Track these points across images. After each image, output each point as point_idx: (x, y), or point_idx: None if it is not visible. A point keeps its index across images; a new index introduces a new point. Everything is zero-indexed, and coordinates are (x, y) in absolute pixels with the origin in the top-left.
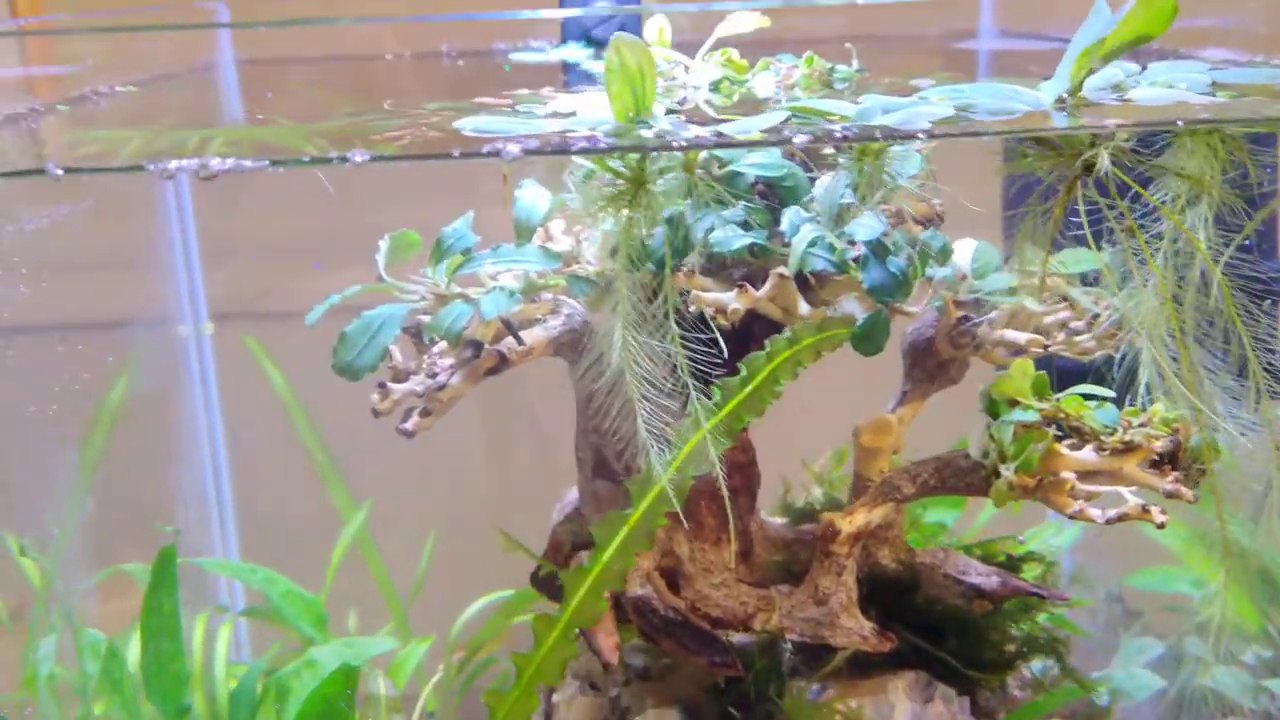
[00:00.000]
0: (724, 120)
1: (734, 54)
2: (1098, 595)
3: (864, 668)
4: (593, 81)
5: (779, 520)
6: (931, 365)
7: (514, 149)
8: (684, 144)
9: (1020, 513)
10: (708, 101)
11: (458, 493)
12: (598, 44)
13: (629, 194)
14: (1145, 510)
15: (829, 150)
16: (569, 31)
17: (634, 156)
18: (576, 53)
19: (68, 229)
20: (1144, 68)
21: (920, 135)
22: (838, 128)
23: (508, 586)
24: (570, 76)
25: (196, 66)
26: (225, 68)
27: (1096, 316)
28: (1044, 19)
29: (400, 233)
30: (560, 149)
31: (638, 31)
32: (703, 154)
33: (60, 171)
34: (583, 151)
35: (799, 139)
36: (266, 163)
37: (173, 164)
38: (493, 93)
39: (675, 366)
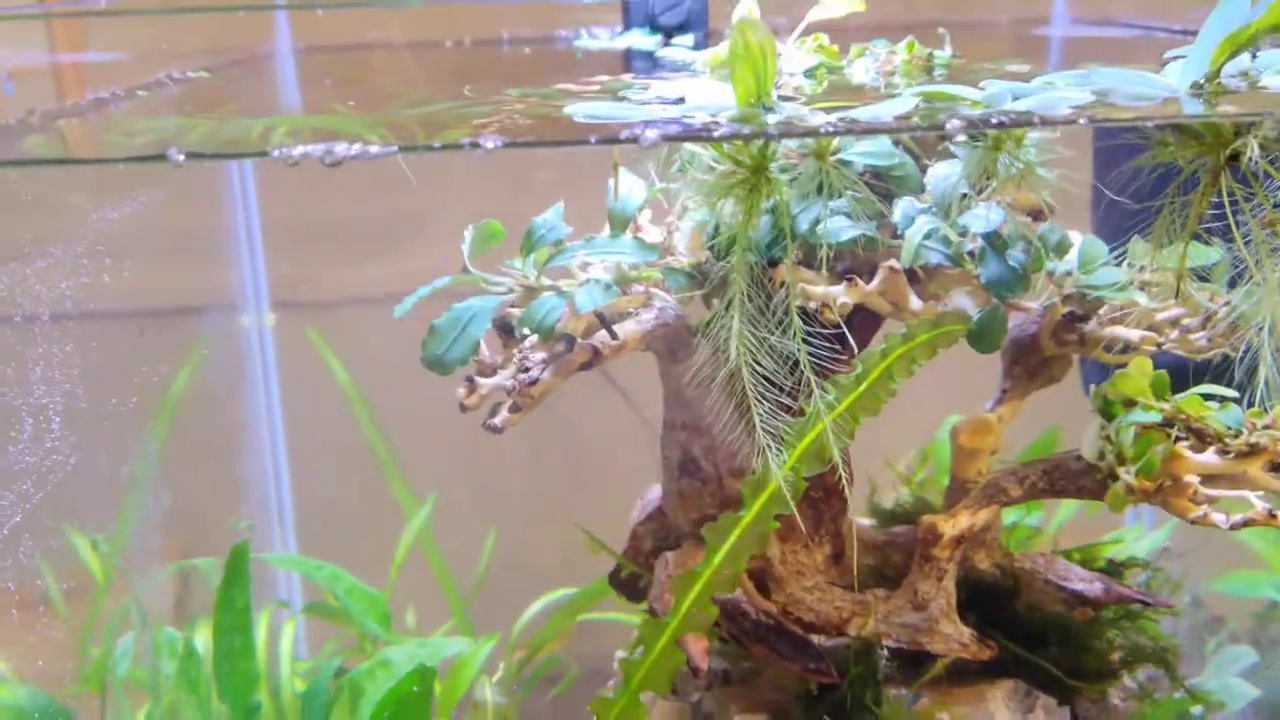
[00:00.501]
0: (847, 106)
1: (824, 40)
2: (1182, 600)
3: (961, 675)
4: (661, 67)
5: (868, 522)
6: (1034, 363)
7: (652, 134)
8: (831, 129)
9: (1095, 517)
10: (798, 89)
11: (518, 489)
12: (664, 30)
13: (749, 182)
14: (1272, 515)
15: (961, 137)
16: (633, 18)
17: (755, 144)
18: (642, 40)
19: (144, 217)
20: (1254, 55)
21: (1082, 120)
22: (980, 113)
23: (569, 585)
24: (636, 64)
25: (257, 54)
26: (283, 56)
27: (1212, 314)
28: (1111, 6)
29: (484, 223)
30: (697, 134)
31: (705, 18)
32: (803, 143)
33: (182, 157)
34: (727, 137)
35: (952, 123)
36: (395, 148)
37: (297, 150)
38: (572, 79)
39: (788, 362)
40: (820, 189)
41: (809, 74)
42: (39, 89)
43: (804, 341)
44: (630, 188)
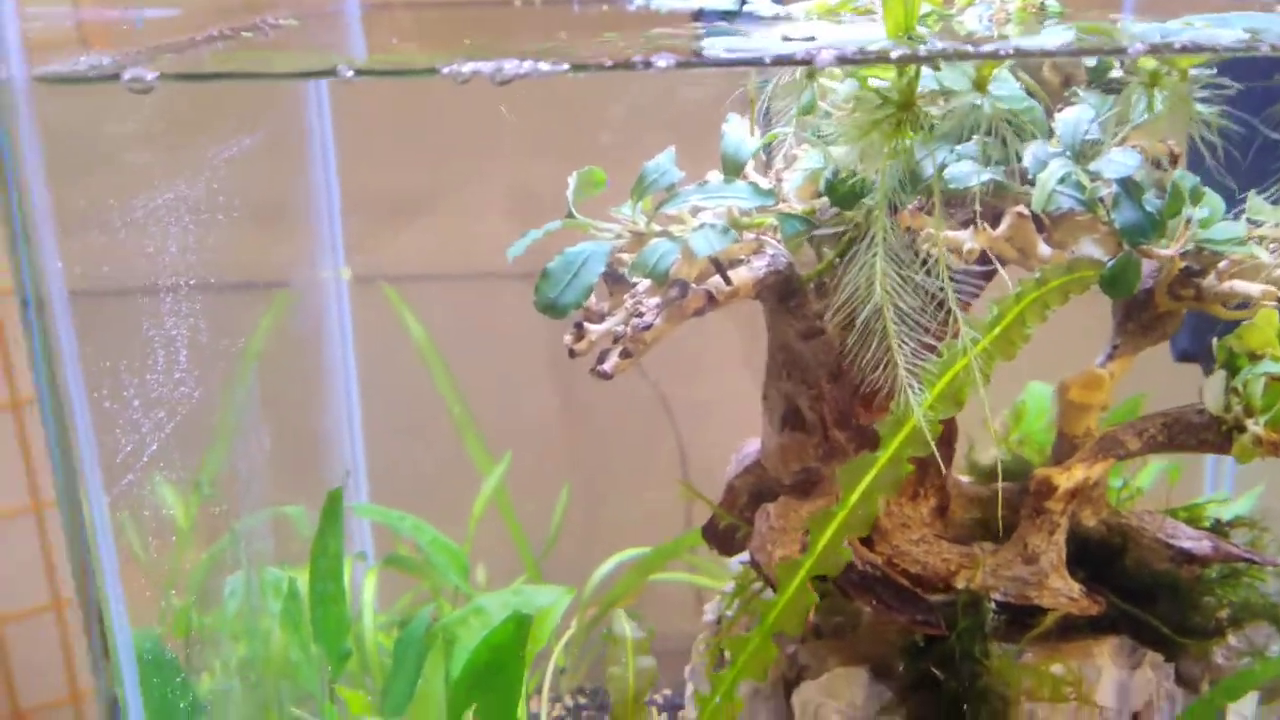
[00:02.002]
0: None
1: None
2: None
3: (1068, 631)
4: (749, 20)
5: (967, 479)
6: (1147, 318)
7: (828, 55)
8: (1013, 51)
9: (1176, 486)
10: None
11: (591, 448)
12: None
13: (895, 118)
14: None
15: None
16: None
17: (904, 78)
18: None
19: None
20: None
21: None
22: (1142, 45)
23: (641, 544)
24: (718, 21)
25: (325, 11)
26: (351, 14)
27: None
28: None
29: (586, 170)
30: (873, 58)
31: None
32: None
33: (351, 72)
34: (906, 60)
35: (1136, 48)
36: (565, 66)
37: (467, 67)
38: (668, 28)
39: (930, 300)
40: (964, 131)
41: (921, 21)
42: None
43: (945, 281)
44: (742, 134)
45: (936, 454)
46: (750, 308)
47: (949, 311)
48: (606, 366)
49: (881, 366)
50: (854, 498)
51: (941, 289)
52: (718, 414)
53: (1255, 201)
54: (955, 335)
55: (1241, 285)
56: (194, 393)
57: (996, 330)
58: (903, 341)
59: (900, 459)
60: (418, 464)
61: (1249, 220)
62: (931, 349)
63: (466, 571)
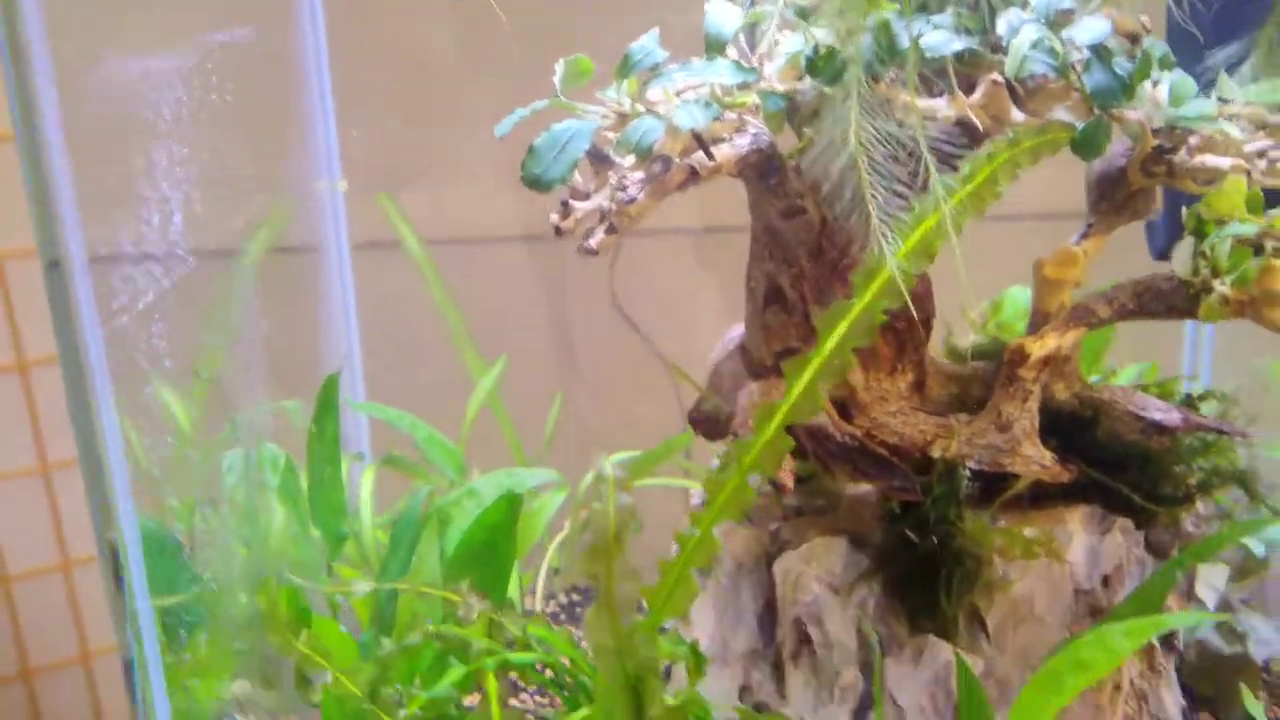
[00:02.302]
0: None
1: None
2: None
3: (1040, 499)
4: None
5: (947, 361)
6: (1121, 197)
7: None
8: None
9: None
10: None
11: (584, 356)
12: None
13: None
14: None
15: None
16: None
17: None
18: None
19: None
20: None
21: None
22: None
23: (632, 448)
24: None
25: None
26: None
27: None
28: None
29: (574, 58)
30: None
31: None
32: None
33: None
34: None
35: None
36: None
37: None
38: None
39: (904, 151)
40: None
41: None
42: None
43: (920, 136)
44: (725, 13)
45: (914, 326)
46: (740, 246)
47: (923, 166)
48: (592, 243)
49: (855, 217)
50: (830, 344)
51: (914, 140)
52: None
53: (1224, 80)
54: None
55: (1212, 160)
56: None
57: (969, 188)
58: (875, 192)
59: (874, 308)
60: (414, 371)
61: (1219, 99)
62: (903, 198)
63: (463, 469)
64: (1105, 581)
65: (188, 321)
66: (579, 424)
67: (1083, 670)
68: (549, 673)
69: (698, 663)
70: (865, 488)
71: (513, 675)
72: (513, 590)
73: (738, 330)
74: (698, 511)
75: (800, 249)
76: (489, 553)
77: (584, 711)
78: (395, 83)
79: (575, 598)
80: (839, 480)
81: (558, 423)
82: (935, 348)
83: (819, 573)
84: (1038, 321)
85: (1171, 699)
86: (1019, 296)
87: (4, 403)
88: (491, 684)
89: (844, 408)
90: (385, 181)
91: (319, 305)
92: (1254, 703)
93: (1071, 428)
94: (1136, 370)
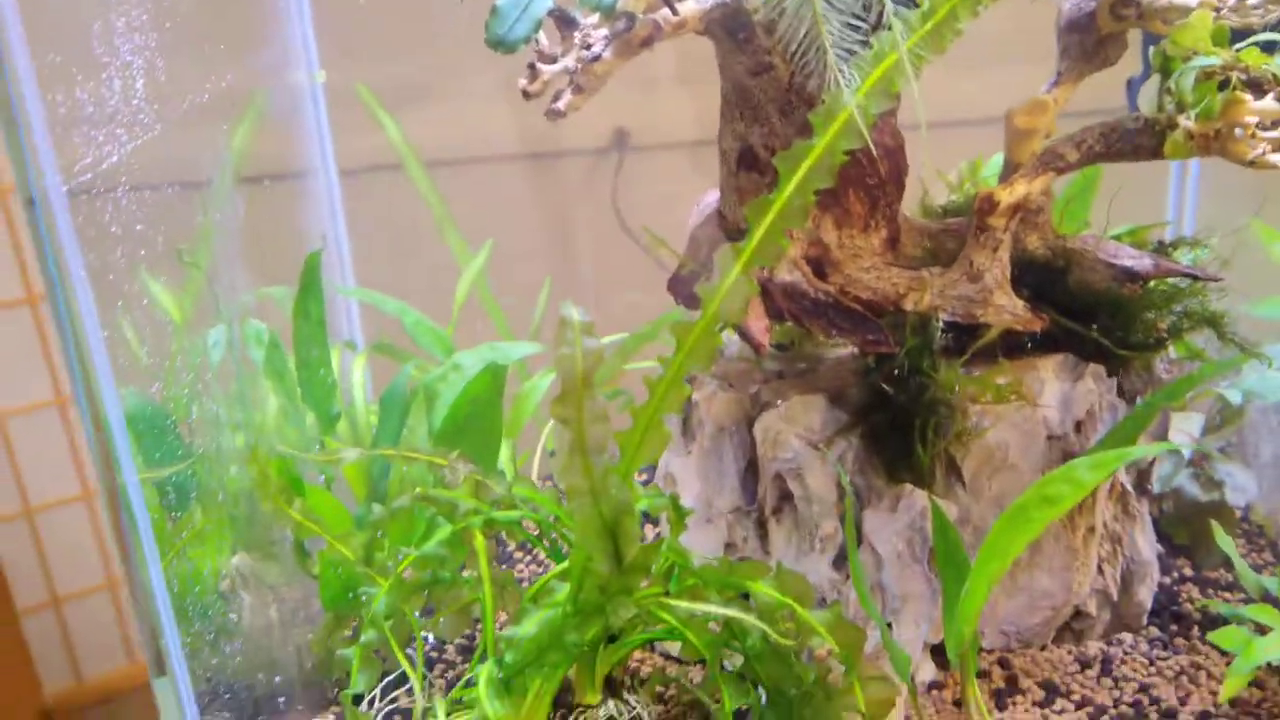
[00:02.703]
0: None
1: None
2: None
3: (1013, 350)
4: None
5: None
6: (1090, 43)
7: None
8: None
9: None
10: None
11: (570, 245)
12: None
13: None
14: None
15: None
16: None
17: None
18: None
19: None
20: None
21: None
22: None
23: (621, 331)
24: None
25: None
26: None
27: None
28: None
29: None
30: None
31: None
32: None
33: None
34: None
35: None
36: None
37: None
38: None
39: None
40: None
41: None
42: None
43: None
44: None
45: (886, 182)
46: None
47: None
48: (560, 105)
49: (814, 57)
50: (791, 185)
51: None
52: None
53: None
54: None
55: (1180, 0)
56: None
57: (929, 25)
58: (832, 29)
59: (835, 148)
60: (401, 262)
61: None
62: (862, 40)
63: (451, 353)
64: (1078, 427)
65: (173, 211)
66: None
67: (1050, 504)
68: (535, 530)
69: (679, 515)
70: (844, 351)
71: (509, 549)
72: (505, 466)
73: (713, 196)
74: (665, 358)
75: (770, 106)
76: (475, 424)
77: (565, 564)
78: None
79: None
80: (815, 340)
81: (546, 309)
82: (911, 207)
83: (798, 430)
84: (1009, 172)
85: (1145, 542)
86: (998, 161)
87: (16, 336)
88: (479, 541)
89: (819, 266)
90: (366, 76)
91: (304, 194)
92: (1226, 540)
93: (1044, 277)
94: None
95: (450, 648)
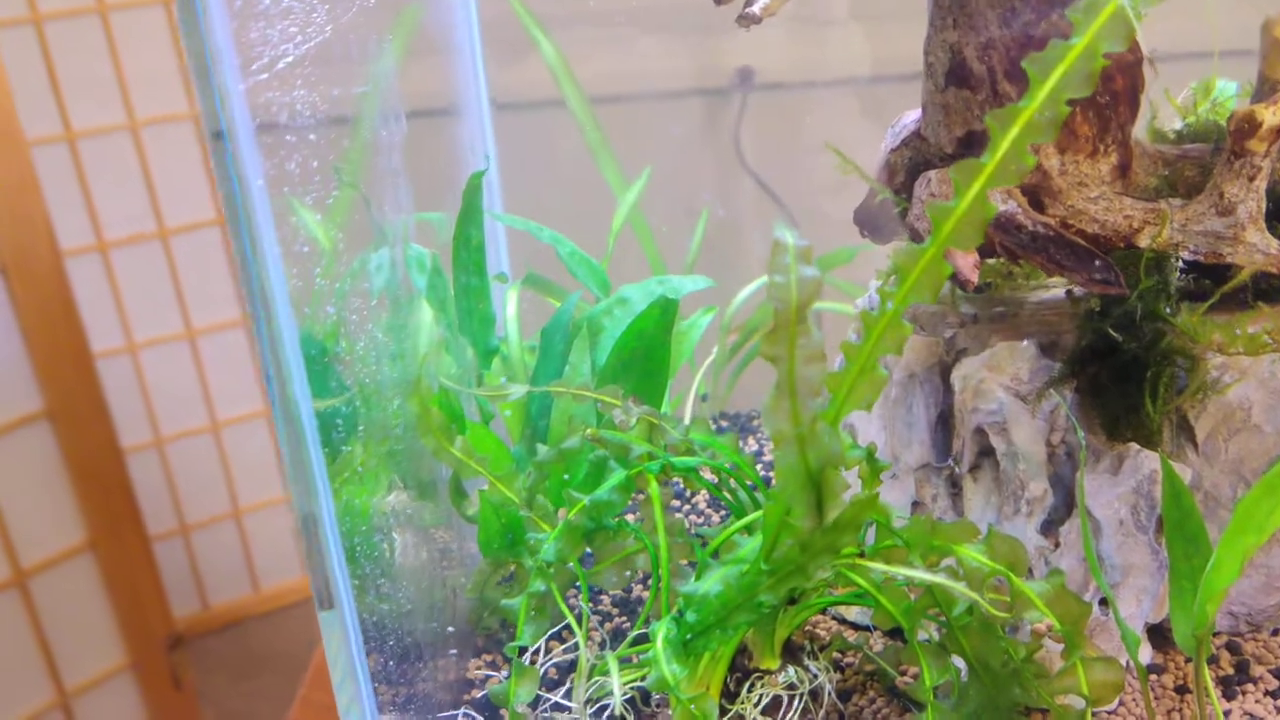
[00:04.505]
0: None
1: None
2: None
3: (1264, 297)
4: None
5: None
6: None
7: None
8: None
9: None
10: None
11: (729, 175)
12: None
13: None
14: None
15: None
16: None
17: None
18: None
19: None
20: None
21: None
22: None
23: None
24: None
25: None
26: None
27: None
28: None
29: None
30: None
31: None
32: None
33: None
34: None
35: None
36: None
37: None
38: None
39: None
40: None
41: None
42: None
43: None
44: None
45: (1119, 100)
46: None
47: None
48: (755, 9)
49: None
50: (1042, 93)
51: None
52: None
53: None
54: None
55: None
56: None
57: None
58: None
59: (1095, 50)
60: (554, 188)
61: None
62: None
63: (607, 285)
64: None
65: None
66: (727, 241)
67: None
68: (713, 478)
69: (874, 469)
70: (1047, 295)
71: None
72: (664, 409)
73: (910, 117)
74: (886, 289)
75: (989, 12)
76: (643, 361)
77: (755, 515)
78: None
79: (724, 424)
80: (1015, 281)
81: (702, 243)
82: (1138, 132)
83: (1004, 379)
84: (1264, 89)
85: None
86: (1225, 88)
87: (148, 270)
88: (654, 488)
89: (1035, 196)
90: None
91: (456, 116)
92: None
93: None
94: None
95: (606, 599)
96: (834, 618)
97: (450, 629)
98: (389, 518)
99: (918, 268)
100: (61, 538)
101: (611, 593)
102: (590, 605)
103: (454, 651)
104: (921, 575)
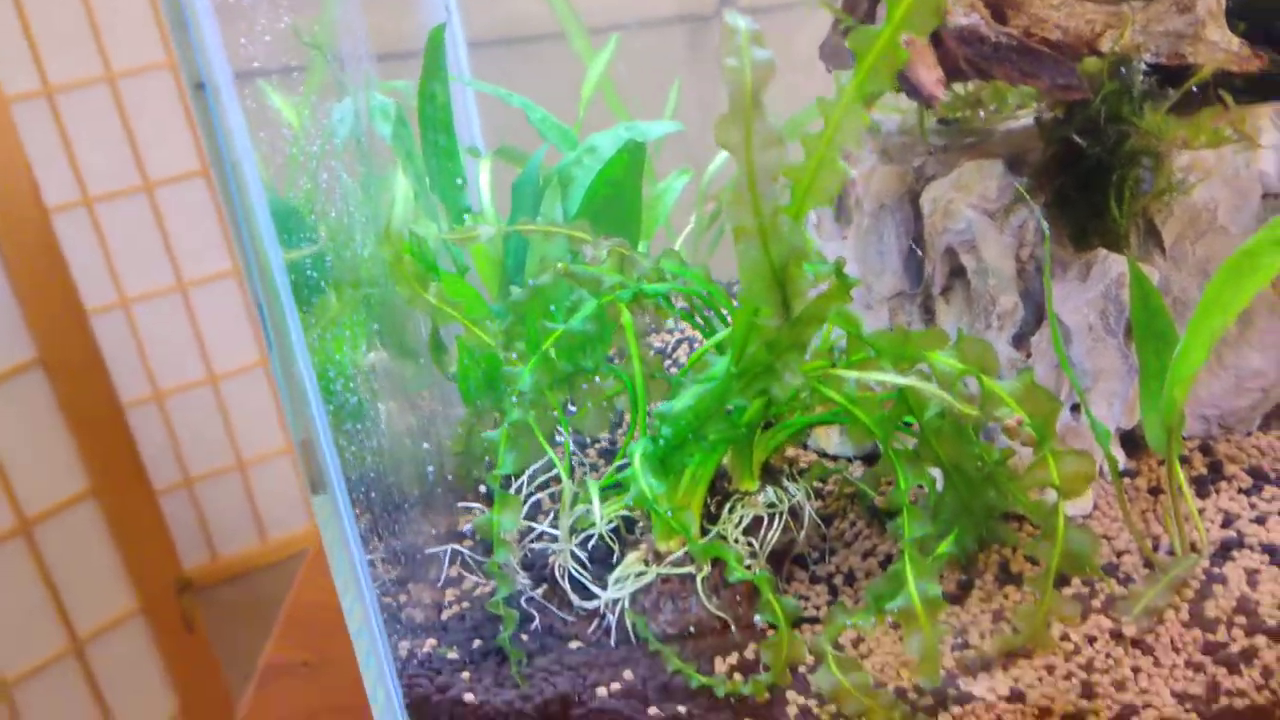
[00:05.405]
0: None
1: None
2: None
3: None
4: None
5: None
6: None
7: None
8: None
9: None
10: None
11: (706, 40)
12: None
13: None
14: None
15: None
16: None
17: None
18: None
19: None
20: None
21: None
22: None
23: None
24: None
25: None
26: None
27: None
28: None
29: None
30: None
31: None
32: None
33: None
34: None
35: None
36: None
37: None
38: None
39: None
40: None
41: None
42: None
43: None
44: None
45: None
46: None
47: None
48: None
49: None
50: None
51: None
52: None
53: None
54: None
55: None
56: None
57: None
58: None
59: None
60: (520, 61)
61: None
62: None
63: (577, 147)
64: None
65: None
66: (700, 108)
67: None
68: (684, 305)
69: (843, 283)
70: (1021, 122)
71: None
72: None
73: None
74: (814, 137)
75: None
76: (614, 206)
77: (726, 333)
78: None
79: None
80: (986, 107)
81: (677, 107)
82: None
83: (971, 198)
84: None
85: None
86: None
87: (136, 223)
88: (626, 317)
89: (998, 8)
90: None
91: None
92: None
93: (1265, 10)
94: None
95: (592, 451)
96: (814, 451)
97: (438, 490)
98: (371, 379)
99: (874, 51)
100: (62, 486)
101: (598, 445)
102: (577, 454)
103: (443, 505)
104: (893, 378)
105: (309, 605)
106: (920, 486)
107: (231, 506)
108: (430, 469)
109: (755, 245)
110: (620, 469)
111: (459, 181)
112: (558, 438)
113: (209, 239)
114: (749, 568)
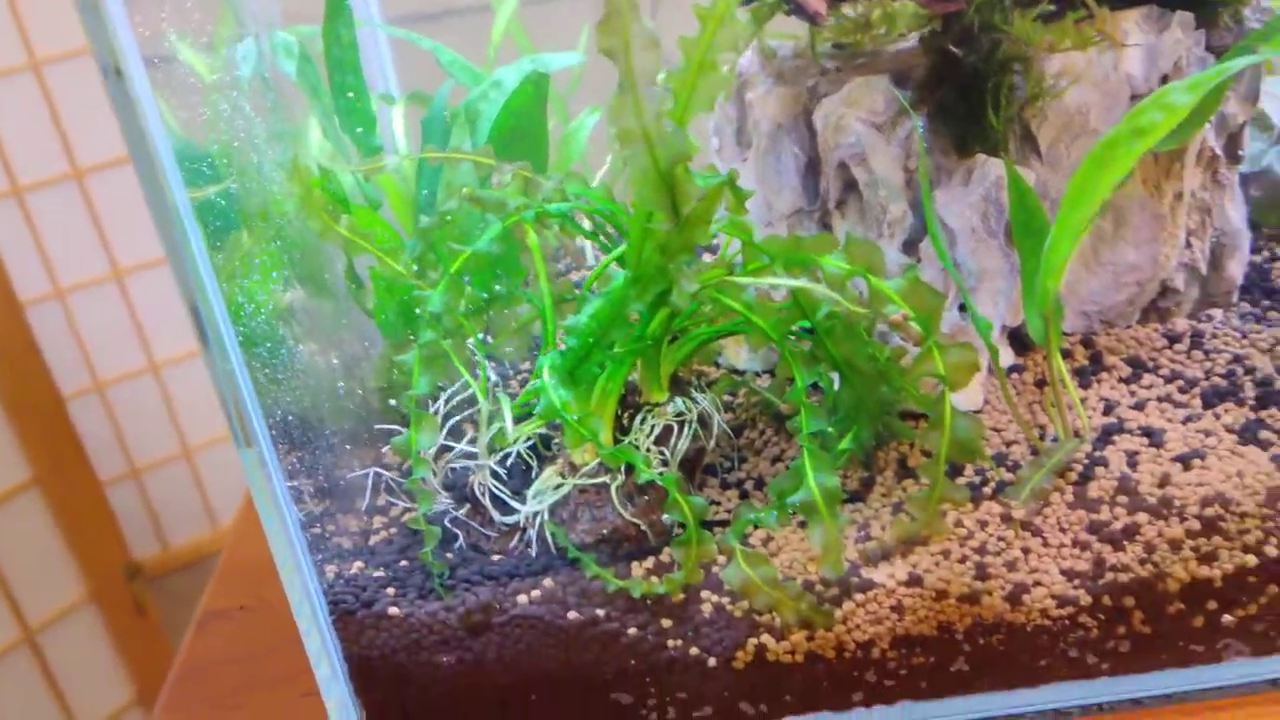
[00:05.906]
0: None
1: None
2: None
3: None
4: None
5: None
6: None
7: None
8: None
9: None
10: None
11: None
12: None
13: None
14: None
15: None
16: None
17: None
18: None
19: None
20: None
21: None
22: None
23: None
24: None
25: None
26: None
27: None
28: None
29: None
30: None
31: None
32: None
33: None
34: None
35: None
36: None
37: None
38: None
39: None
40: None
41: None
42: None
43: None
44: None
45: None
46: None
47: None
48: None
49: None
50: None
51: None
52: None
53: None
54: None
55: None
56: None
57: None
58: None
59: None
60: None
61: None
62: None
63: None
64: (1164, 82)
65: None
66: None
67: (1142, 136)
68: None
69: (739, 196)
70: (909, 42)
71: None
72: None
73: None
74: None
75: None
76: (519, 138)
77: (625, 247)
78: None
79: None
80: (874, 34)
81: (588, 50)
82: None
83: (860, 113)
84: None
85: (1237, 213)
86: None
87: (67, 211)
88: (531, 238)
89: None
90: None
91: None
92: None
93: None
94: None
95: (515, 382)
96: (725, 368)
97: (364, 426)
98: (290, 319)
99: None
100: (5, 476)
101: (519, 377)
102: (499, 385)
103: (369, 440)
104: (785, 281)
105: (245, 556)
106: (818, 386)
107: (179, 495)
108: (354, 406)
109: (641, 150)
110: (536, 390)
111: (369, 120)
112: (475, 369)
113: (142, 225)
114: (660, 474)
